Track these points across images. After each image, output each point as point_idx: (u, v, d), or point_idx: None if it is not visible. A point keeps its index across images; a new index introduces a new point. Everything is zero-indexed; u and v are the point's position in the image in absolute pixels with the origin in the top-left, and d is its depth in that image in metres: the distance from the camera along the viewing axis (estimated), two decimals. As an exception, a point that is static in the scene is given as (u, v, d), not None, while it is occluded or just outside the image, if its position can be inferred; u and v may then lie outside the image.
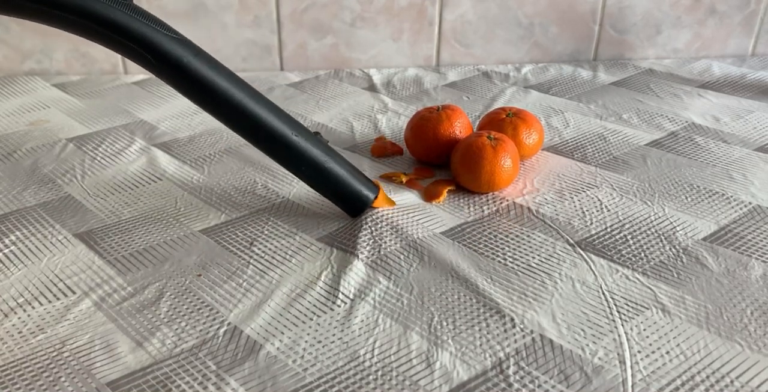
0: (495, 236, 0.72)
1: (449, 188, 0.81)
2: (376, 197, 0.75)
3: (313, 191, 0.81)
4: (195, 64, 0.66)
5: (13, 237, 0.72)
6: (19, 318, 0.60)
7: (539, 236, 0.72)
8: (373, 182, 0.77)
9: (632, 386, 0.52)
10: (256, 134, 0.70)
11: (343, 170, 0.73)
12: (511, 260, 0.68)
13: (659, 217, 0.76)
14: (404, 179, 0.82)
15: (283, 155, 0.72)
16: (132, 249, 0.70)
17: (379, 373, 0.54)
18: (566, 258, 0.68)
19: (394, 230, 0.73)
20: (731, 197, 0.80)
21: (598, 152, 0.92)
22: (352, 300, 0.62)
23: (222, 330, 0.58)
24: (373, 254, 0.69)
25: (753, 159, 0.89)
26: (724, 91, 1.14)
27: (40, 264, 0.68)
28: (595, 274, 0.66)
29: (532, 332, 0.58)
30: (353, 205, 0.75)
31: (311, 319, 0.60)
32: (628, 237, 0.72)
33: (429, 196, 0.79)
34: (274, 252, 0.70)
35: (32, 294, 0.63)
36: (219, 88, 0.67)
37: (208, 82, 0.67)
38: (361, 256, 0.69)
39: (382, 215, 0.76)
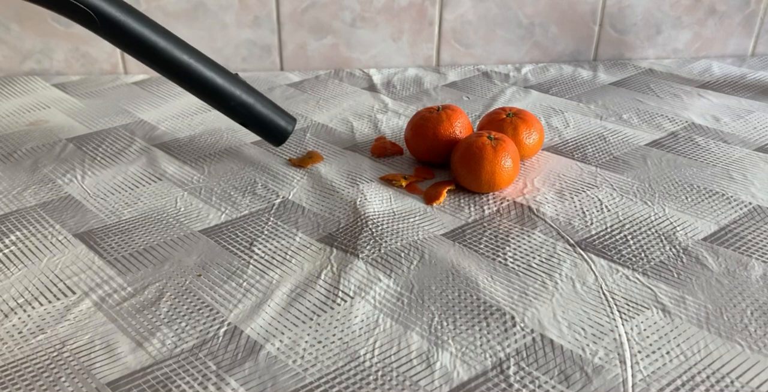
0: (495, 236, 0.72)
1: (449, 188, 0.81)
2: (293, 128, 0.87)
3: (314, 191, 0.81)
4: (133, 26, 0.76)
5: (13, 237, 0.72)
6: (19, 318, 0.60)
7: (540, 236, 0.72)
8: (291, 116, 0.88)
9: (632, 386, 0.52)
10: (191, 83, 0.81)
11: (264, 106, 0.85)
12: (511, 260, 0.68)
13: (659, 217, 0.76)
14: (404, 184, 0.82)
15: (214, 97, 0.82)
16: (132, 249, 0.70)
17: (380, 373, 0.54)
18: (566, 258, 0.68)
19: (395, 232, 0.73)
20: (731, 197, 0.80)
21: (599, 152, 0.92)
22: (352, 300, 0.62)
23: (222, 330, 0.58)
24: (373, 254, 0.69)
25: (753, 159, 0.89)
26: (724, 91, 1.14)
27: (40, 264, 0.68)
28: (595, 274, 0.66)
29: (532, 332, 0.58)
30: (275, 136, 0.87)
31: (311, 319, 0.60)
32: (629, 237, 0.72)
33: (429, 199, 0.79)
34: (274, 252, 0.70)
35: (32, 294, 0.63)
36: (157, 45, 0.77)
37: (148, 42, 0.76)
38: (361, 256, 0.69)
39: (383, 218, 0.76)
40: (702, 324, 0.59)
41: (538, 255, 0.69)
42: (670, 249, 0.70)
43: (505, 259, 0.68)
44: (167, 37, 0.77)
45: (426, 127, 0.85)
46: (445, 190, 0.80)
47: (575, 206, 0.78)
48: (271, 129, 0.85)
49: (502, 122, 0.86)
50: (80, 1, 0.71)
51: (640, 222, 0.75)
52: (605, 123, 1.01)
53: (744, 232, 0.73)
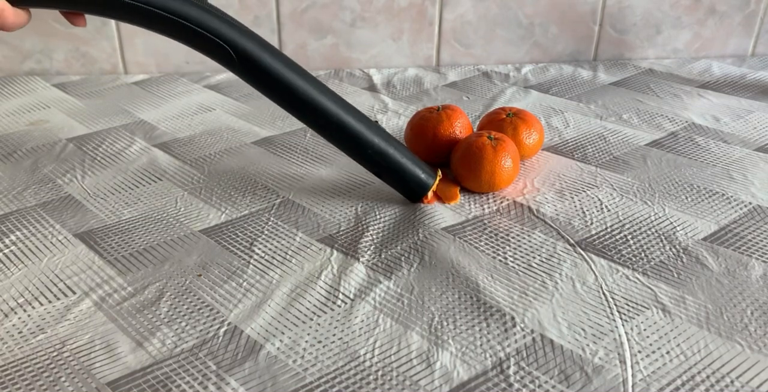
0: (495, 235, 0.72)
1: (458, 187, 0.81)
2: (434, 183, 0.78)
3: (314, 190, 0.82)
4: (271, 63, 0.71)
5: (13, 237, 0.72)
6: (19, 318, 0.60)
7: (540, 236, 0.72)
8: (433, 169, 0.80)
9: (632, 386, 0.52)
10: (327, 126, 0.75)
11: (404, 156, 0.77)
12: (511, 260, 0.68)
13: (659, 217, 0.76)
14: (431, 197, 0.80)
15: (350, 144, 0.76)
16: (132, 249, 0.70)
17: (380, 373, 0.54)
18: (566, 258, 0.68)
19: (395, 229, 0.73)
20: (731, 197, 0.80)
21: (599, 152, 0.92)
22: (352, 300, 0.62)
23: (222, 330, 0.58)
24: (373, 255, 0.69)
25: (753, 159, 0.89)
26: (724, 91, 1.14)
27: (40, 264, 0.68)
28: (595, 274, 0.66)
29: (532, 332, 0.58)
30: (412, 190, 0.78)
31: (311, 319, 0.60)
32: (629, 237, 0.72)
33: (447, 198, 0.79)
34: (274, 252, 0.70)
35: (32, 294, 0.63)
36: (295, 87, 0.72)
37: (284, 81, 0.71)
38: (361, 257, 0.69)
39: (383, 215, 0.76)
40: (702, 323, 0.59)
41: (538, 255, 0.69)
42: (670, 249, 0.70)
43: (505, 259, 0.68)
44: (305, 76, 0.73)
45: (426, 127, 0.85)
46: (458, 188, 0.80)
47: (575, 206, 0.78)
48: (409, 181, 0.77)
49: (502, 122, 0.86)
50: (218, 36, 0.68)
51: (640, 222, 0.75)
52: (605, 123, 1.01)
53: (744, 232, 0.73)
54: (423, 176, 0.77)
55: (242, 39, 0.69)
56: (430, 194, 0.78)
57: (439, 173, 0.80)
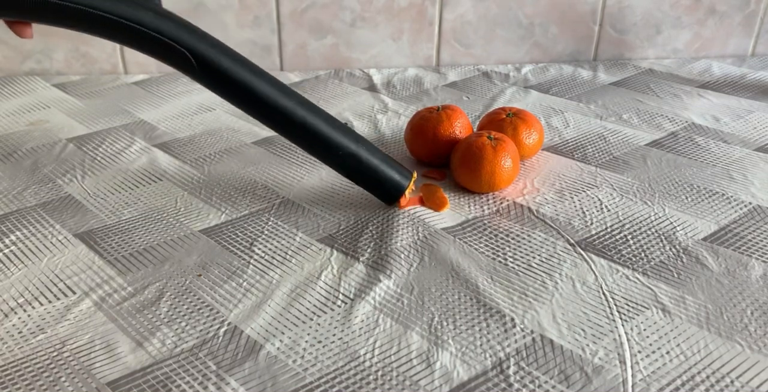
0: (495, 235, 0.72)
1: (440, 189, 0.80)
2: (409, 184, 0.76)
3: (314, 190, 0.81)
4: (231, 67, 0.68)
5: (13, 237, 0.72)
6: (19, 318, 0.60)
7: (540, 236, 0.72)
8: (408, 171, 0.77)
9: (632, 386, 0.52)
10: (292, 130, 0.73)
11: (376, 157, 0.74)
12: (511, 260, 0.68)
13: (659, 217, 0.76)
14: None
15: (319, 147, 0.73)
16: (132, 249, 0.70)
17: (380, 373, 0.54)
18: (566, 258, 0.68)
19: (395, 229, 0.73)
20: (731, 197, 0.80)
21: (598, 152, 0.92)
22: (352, 300, 0.62)
23: (222, 330, 0.58)
24: (373, 255, 0.69)
25: (753, 159, 0.89)
26: (724, 91, 1.14)
27: (40, 264, 0.68)
28: (595, 274, 0.66)
29: (532, 332, 0.58)
30: (387, 192, 0.76)
31: (311, 319, 0.60)
32: (629, 237, 0.72)
33: (437, 206, 0.78)
34: (274, 252, 0.70)
35: (32, 294, 0.63)
36: (258, 90, 0.70)
37: (246, 85, 0.69)
38: (361, 256, 0.69)
39: (383, 215, 0.76)
40: (702, 323, 0.59)
41: (538, 255, 0.69)
42: (670, 249, 0.70)
43: (505, 259, 0.68)
44: (267, 79, 0.70)
45: (426, 127, 0.85)
46: (441, 192, 0.80)
47: (575, 206, 0.78)
48: (384, 184, 0.75)
49: (502, 122, 0.86)
50: (176, 41, 0.65)
51: (640, 222, 0.75)
52: (605, 123, 1.01)
53: (744, 232, 0.73)
54: (397, 177, 0.75)
55: (201, 44, 0.67)
56: (406, 194, 0.76)
57: (414, 173, 0.77)
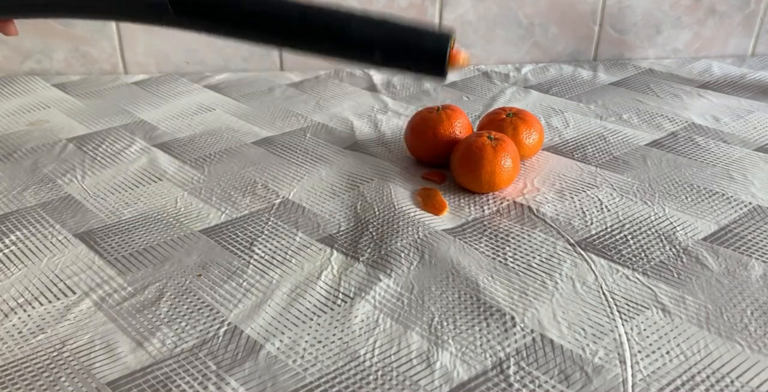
0: (495, 235, 0.72)
1: (439, 193, 0.80)
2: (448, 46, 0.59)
3: (314, 190, 0.81)
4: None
5: (13, 237, 0.72)
6: (19, 318, 0.60)
7: (540, 236, 0.72)
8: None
9: (632, 386, 0.52)
10: (300, 29, 0.60)
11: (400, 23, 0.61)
12: (511, 259, 0.68)
13: (659, 217, 0.76)
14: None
15: (333, 34, 0.60)
16: (132, 249, 0.70)
17: (380, 373, 0.54)
18: (567, 258, 0.68)
19: (395, 229, 0.73)
20: (731, 197, 0.80)
21: (598, 152, 0.92)
22: (352, 299, 0.62)
23: (222, 330, 0.58)
24: (373, 255, 0.69)
25: (753, 159, 0.89)
26: (724, 91, 1.14)
27: (40, 264, 0.68)
28: (595, 274, 0.66)
29: (532, 332, 0.58)
30: (430, 62, 0.60)
31: (311, 319, 0.60)
32: (629, 237, 0.72)
33: (436, 210, 0.77)
34: (274, 252, 0.70)
35: (32, 294, 0.63)
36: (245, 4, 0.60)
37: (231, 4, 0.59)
38: (361, 256, 0.69)
39: (383, 215, 0.76)
40: (702, 323, 0.59)
41: (538, 255, 0.69)
42: (670, 249, 0.70)
43: (505, 259, 0.68)
44: None
45: (426, 127, 0.85)
46: (440, 195, 0.79)
47: (575, 206, 0.78)
48: (422, 56, 0.60)
49: (502, 122, 0.86)
50: None
51: (640, 222, 0.75)
52: (605, 123, 1.01)
53: (744, 232, 0.73)
54: (431, 43, 0.60)
55: None
56: (453, 52, 0.59)
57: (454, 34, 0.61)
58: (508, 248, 0.70)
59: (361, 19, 0.60)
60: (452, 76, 1.22)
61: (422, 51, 0.60)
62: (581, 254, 0.69)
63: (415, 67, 0.62)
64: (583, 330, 0.58)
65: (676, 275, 0.65)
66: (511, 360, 0.55)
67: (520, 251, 0.69)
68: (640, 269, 0.66)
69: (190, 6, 0.59)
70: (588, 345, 0.57)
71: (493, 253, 0.69)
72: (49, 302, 0.62)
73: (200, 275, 0.66)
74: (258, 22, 0.60)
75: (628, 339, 0.57)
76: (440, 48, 0.59)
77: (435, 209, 0.77)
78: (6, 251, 0.70)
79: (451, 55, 0.60)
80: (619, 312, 0.60)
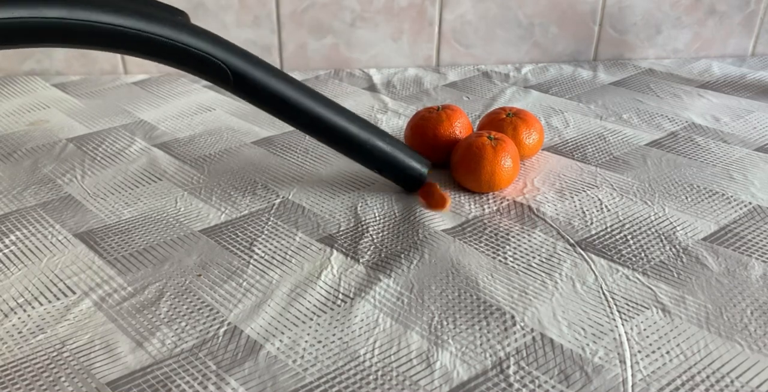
0: (495, 235, 0.72)
1: (438, 188, 0.80)
2: (428, 171, 0.80)
3: (314, 191, 0.82)
4: (264, 78, 0.74)
5: (13, 237, 0.72)
6: (19, 318, 0.60)
7: (540, 236, 0.72)
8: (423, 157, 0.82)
9: (632, 386, 0.52)
10: (324, 131, 0.78)
11: (397, 149, 0.79)
12: (511, 259, 0.68)
13: (659, 217, 0.76)
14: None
15: (348, 144, 0.79)
16: (132, 249, 0.70)
17: (380, 373, 0.54)
18: (566, 258, 0.68)
19: (395, 229, 0.73)
20: (731, 197, 0.80)
21: (598, 152, 0.92)
22: (352, 299, 0.62)
23: (222, 330, 0.58)
24: (373, 255, 0.69)
25: (753, 159, 0.89)
26: (724, 91, 1.14)
27: (40, 264, 0.68)
28: (595, 274, 0.66)
29: (532, 331, 0.58)
30: (411, 179, 0.80)
31: (311, 319, 0.60)
32: (628, 237, 0.72)
33: (437, 205, 0.78)
34: (274, 252, 0.70)
35: (32, 294, 0.63)
36: (290, 98, 0.75)
37: (280, 95, 0.74)
38: (361, 257, 0.69)
39: (382, 215, 0.76)
40: (702, 323, 0.59)
41: (538, 255, 0.69)
42: (670, 249, 0.70)
43: (505, 258, 0.68)
44: (297, 87, 0.75)
45: (426, 127, 0.85)
46: (440, 189, 0.79)
47: (575, 206, 0.78)
48: (406, 173, 0.80)
49: (502, 122, 0.86)
50: (212, 55, 0.70)
51: (640, 222, 0.75)
52: (605, 123, 1.01)
53: (744, 232, 0.73)
54: (417, 165, 0.80)
55: (236, 57, 0.72)
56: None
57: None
58: (508, 247, 0.70)
59: (376, 143, 0.79)
60: (452, 76, 1.22)
61: (407, 176, 0.80)
62: (581, 254, 0.69)
63: (396, 181, 0.81)
64: (583, 329, 0.58)
65: (676, 275, 0.65)
66: (511, 359, 0.55)
67: (520, 251, 0.69)
68: (640, 269, 0.66)
69: (248, 85, 0.73)
70: (588, 344, 0.57)
71: (493, 253, 0.69)
72: (49, 302, 0.62)
73: (200, 275, 0.66)
74: (303, 123, 0.77)
75: (628, 339, 0.57)
76: (420, 178, 0.80)
77: (438, 204, 0.78)
78: (6, 251, 0.70)
79: (438, 197, 0.79)
80: (619, 311, 0.60)
